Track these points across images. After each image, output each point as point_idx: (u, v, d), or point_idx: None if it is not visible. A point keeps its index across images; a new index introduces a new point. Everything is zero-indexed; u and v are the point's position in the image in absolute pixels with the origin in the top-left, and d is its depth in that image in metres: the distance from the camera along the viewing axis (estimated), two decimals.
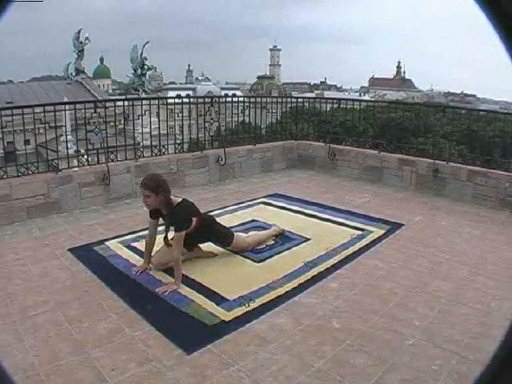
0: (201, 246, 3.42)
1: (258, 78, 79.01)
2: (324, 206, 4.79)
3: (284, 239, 3.78)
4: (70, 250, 3.51)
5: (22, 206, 4.22)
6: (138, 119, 5.53)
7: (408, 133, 13.38)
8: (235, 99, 6.54)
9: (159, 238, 3.22)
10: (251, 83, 78.84)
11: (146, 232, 3.32)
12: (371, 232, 4.00)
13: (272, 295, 2.79)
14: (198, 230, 3.22)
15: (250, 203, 4.87)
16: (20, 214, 4.20)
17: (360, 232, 3.99)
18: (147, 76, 27.00)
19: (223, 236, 3.41)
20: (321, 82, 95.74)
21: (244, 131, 6.79)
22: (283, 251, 3.53)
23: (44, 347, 2.23)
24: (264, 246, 3.62)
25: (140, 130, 5.70)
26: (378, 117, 7.55)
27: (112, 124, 7.63)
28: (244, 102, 6.63)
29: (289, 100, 7.87)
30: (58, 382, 1.98)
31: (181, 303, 2.68)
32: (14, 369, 1.98)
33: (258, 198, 5.09)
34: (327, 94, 58.61)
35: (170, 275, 3.04)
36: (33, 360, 2.11)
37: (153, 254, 3.23)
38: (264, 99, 6.99)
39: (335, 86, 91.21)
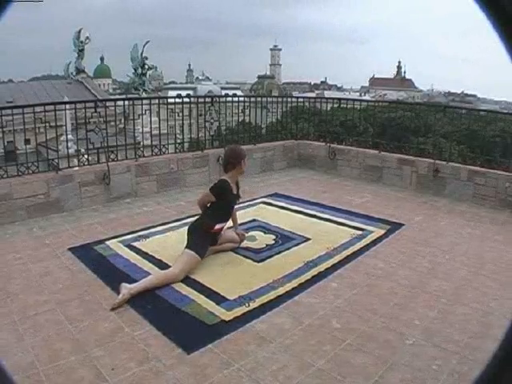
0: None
1: (259, 77, 79.14)
2: (324, 206, 4.79)
3: (284, 239, 3.78)
4: (70, 249, 3.51)
5: (23, 206, 4.22)
6: (139, 119, 5.53)
7: (408, 132, 13.38)
8: (235, 99, 6.53)
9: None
10: (252, 83, 78.96)
11: (146, 231, 3.30)
12: (371, 232, 4.00)
13: (272, 295, 2.79)
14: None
15: (250, 203, 4.87)
16: (20, 214, 4.20)
17: (360, 232, 4.00)
18: (148, 75, 26.95)
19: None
20: (321, 82, 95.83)
21: (244, 131, 6.78)
22: (283, 251, 3.54)
23: (44, 346, 2.23)
24: (264, 245, 3.62)
25: (140, 130, 5.71)
26: (379, 116, 7.56)
27: (112, 123, 7.62)
28: (244, 101, 6.62)
29: (289, 100, 7.86)
30: (58, 381, 1.97)
31: (181, 303, 2.68)
32: (14, 368, 1.98)
33: (259, 198, 5.09)
34: (327, 93, 58.59)
35: None
36: (33, 359, 2.11)
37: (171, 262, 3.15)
38: (264, 99, 7.01)
39: (336, 85, 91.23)
